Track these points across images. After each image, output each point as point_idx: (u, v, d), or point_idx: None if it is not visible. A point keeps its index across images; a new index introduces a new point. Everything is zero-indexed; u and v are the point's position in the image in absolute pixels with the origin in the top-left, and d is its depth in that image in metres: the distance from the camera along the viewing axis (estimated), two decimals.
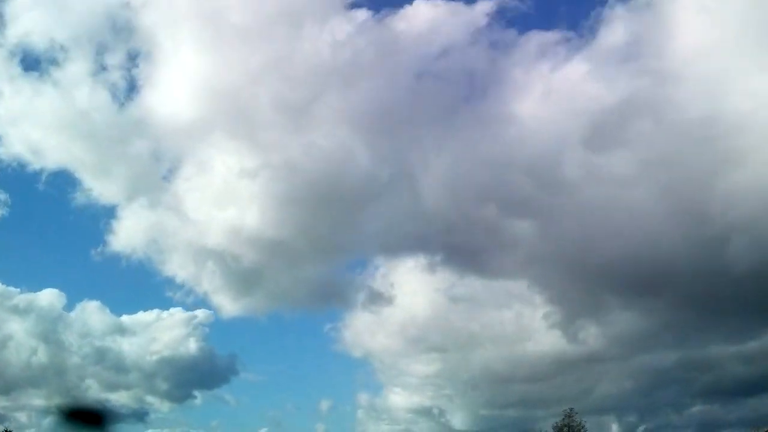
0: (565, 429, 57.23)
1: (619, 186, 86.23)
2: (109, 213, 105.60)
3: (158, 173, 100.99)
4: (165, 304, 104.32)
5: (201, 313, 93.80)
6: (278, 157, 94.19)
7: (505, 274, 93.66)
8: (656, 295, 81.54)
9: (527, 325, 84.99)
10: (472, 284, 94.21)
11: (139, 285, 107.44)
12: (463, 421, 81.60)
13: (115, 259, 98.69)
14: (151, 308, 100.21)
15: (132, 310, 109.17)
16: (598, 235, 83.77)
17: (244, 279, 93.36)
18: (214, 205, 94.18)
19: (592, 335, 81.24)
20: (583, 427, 57.67)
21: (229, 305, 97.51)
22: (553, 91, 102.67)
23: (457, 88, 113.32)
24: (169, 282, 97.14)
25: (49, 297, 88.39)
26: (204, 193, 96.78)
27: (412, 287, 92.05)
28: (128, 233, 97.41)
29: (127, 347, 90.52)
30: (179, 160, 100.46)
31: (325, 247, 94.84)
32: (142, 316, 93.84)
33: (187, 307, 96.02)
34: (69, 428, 12.89)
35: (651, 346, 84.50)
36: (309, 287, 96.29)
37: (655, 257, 79.00)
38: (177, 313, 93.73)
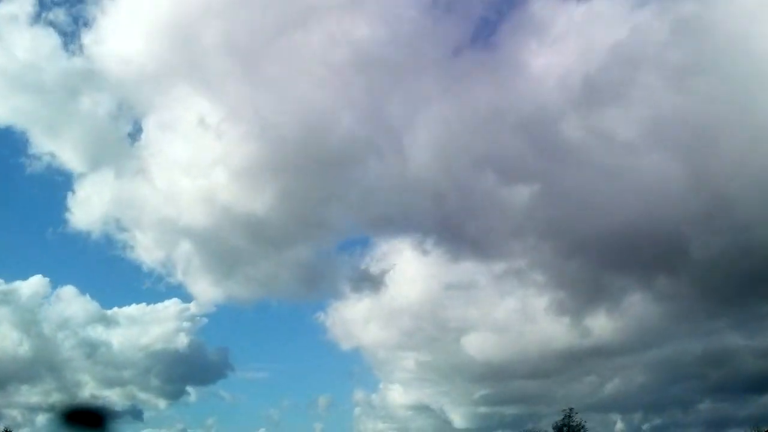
0: (565, 429, 57.03)
1: (633, 149, 78.16)
2: (66, 181, 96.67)
3: (121, 132, 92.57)
4: (141, 292, 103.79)
5: (183, 305, 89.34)
6: (251, 115, 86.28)
7: (504, 255, 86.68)
8: (670, 277, 75.22)
9: (528, 313, 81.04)
10: (468, 268, 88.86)
11: (110, 269, 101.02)
12: (462, 418, 79.43)
13: (76, 238, 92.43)
14: (123, 295, 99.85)
15: (104, 297, 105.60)
16: (608, 210, 75.20)
17: (223, 262, 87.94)
18: (184, 174, 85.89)
19: (598, 326, 76.68)
20: (583, 427, 57.53)
21: (209, 293, 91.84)
22: (575, 30, 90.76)
23: (461, 26, 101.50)
24: (142, 267, 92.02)
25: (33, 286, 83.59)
26: (172, 160, 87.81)
27: (404, 271, 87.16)
28: (90, 207, 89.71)
29: (113, 340, 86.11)
30: (142, 117, 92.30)
31: (306, 222, 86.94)
32: (124, 308, 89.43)
33: (162, 295, 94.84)
34: (69, 429, 12.76)
35: (660, 339, 79.59)
36: (293, 272, 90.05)
37: (671, 233, 71.69)
38: (158, 306, 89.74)
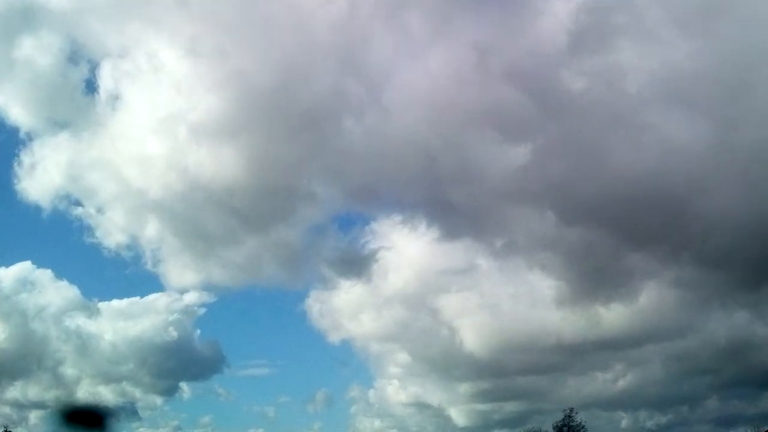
0: (566, 429, 57.07)
1: (648, 101, 68.06)
2: (12, 140, 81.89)
3: (75, 79, 79.65)
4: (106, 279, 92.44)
5: (167, 298, 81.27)
6: (216, 65, 76.13)
7: (503, 229, 77.53)
8: (690, 257, 66.27)
9: (532, 296, 74.71)
10: (464, 246, 79.88)
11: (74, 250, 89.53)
12: (462, 415, 74.93)
13: (26, 212, 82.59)
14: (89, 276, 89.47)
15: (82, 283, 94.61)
16: (621, 172, 64.85)
17: (199, 243, 78.68)
18: (151, 133, 75.09)
19: (607, 315, 69.34)
20: (583, 427, 57.59)
21: (185, 280, 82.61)
22: None
23: None
24: (104, 249, 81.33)
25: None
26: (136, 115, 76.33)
27: (394, 252, 79.18)
28: (42, 173, 78.34)
29: (102, 334, 77.39)
30: (97, 64, 78.89)
31: (278, 197, 76.31)
32: (113, 302, 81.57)
33: (130, 282, 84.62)
34: (69, 429, 12.74)
35: (675, 329, 71.63)
36: (273, 255, 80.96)
37: (692, 201, 62.71)
38: (148, 298, 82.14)
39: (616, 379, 72.37)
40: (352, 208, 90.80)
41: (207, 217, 77.42)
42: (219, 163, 74.23)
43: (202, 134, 74.12)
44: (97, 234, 79.86)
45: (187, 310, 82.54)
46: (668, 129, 66.31)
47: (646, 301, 68.94)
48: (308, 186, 78.85)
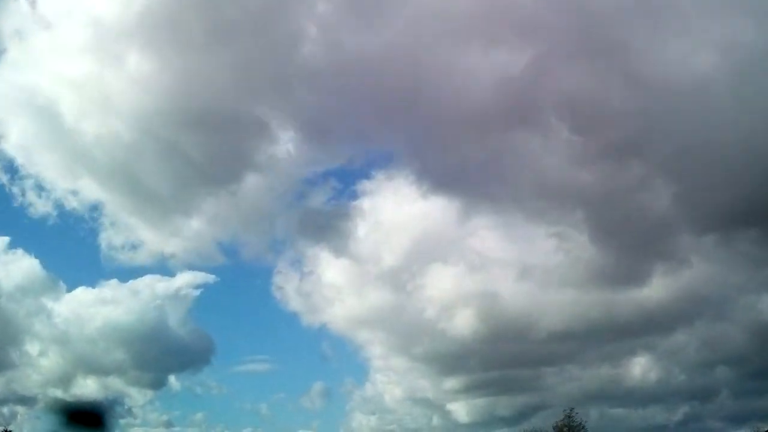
0: (566, 429, 57.25)
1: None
2: None
3: None
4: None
5: (150, 281, 77.81)
6: None
7: (503, 177, 67.92)
8: (735, 230, 57.56)
9: (537, 281, 69.48)
10: (460, 203, 73.07)
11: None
12: (462, 411, 73.56)
13: None
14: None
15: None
16: (655, 89, 52.41)
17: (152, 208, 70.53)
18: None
19: (622, 297, 65.69)
20: (583, 427, 57.76)
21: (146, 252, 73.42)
22: None
23: None
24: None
25: None
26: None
27: (378, 218, 74.39)
28: None
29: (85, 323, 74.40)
30: None
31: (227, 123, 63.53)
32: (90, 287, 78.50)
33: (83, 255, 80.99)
34: (69, 429, 13.08)
35: (699, 313, 66.44)
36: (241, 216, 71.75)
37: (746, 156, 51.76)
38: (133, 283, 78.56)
39: (626, 372, 70.33)
40: (316, 153, 79.25)
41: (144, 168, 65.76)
42: (139, 86, 61.92)
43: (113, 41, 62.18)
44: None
45: (193, 292, 79.47)
46: (711, 26, 53.53)
47: (673, 278, 62.04)
48: (259, 116, 66.16)
